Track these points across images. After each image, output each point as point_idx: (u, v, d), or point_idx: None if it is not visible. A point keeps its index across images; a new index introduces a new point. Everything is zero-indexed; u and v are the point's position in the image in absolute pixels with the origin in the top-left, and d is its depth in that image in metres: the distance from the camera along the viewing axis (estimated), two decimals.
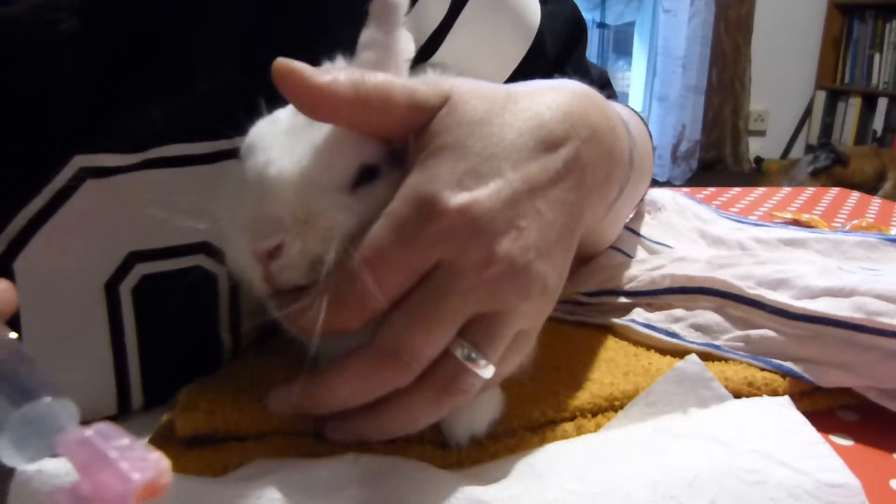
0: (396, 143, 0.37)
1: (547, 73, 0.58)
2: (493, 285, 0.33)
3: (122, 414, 0.44)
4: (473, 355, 0.34)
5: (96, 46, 0.38)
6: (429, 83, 0.36)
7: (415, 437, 0.40)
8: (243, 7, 0.42)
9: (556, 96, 0.38)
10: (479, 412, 0.40)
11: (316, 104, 0.33)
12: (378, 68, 0.36)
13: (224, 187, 0.38)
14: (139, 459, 0.23)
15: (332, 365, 0.35)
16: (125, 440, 0.23)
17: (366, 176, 0.36)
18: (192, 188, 0.42)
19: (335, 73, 0.33)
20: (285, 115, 0.37)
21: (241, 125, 0.37)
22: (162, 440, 0.39)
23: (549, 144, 0.36)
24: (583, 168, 0.37)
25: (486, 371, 0.34)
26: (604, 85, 0.67)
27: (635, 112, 0.63)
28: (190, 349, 0.46)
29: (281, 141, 0.35)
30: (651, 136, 0.65)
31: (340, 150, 0.35)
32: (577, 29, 0.62)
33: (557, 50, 0.60)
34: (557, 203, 0.35)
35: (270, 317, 0.36)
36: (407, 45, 0.39)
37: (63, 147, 0.38)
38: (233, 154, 0.42)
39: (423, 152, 0.34)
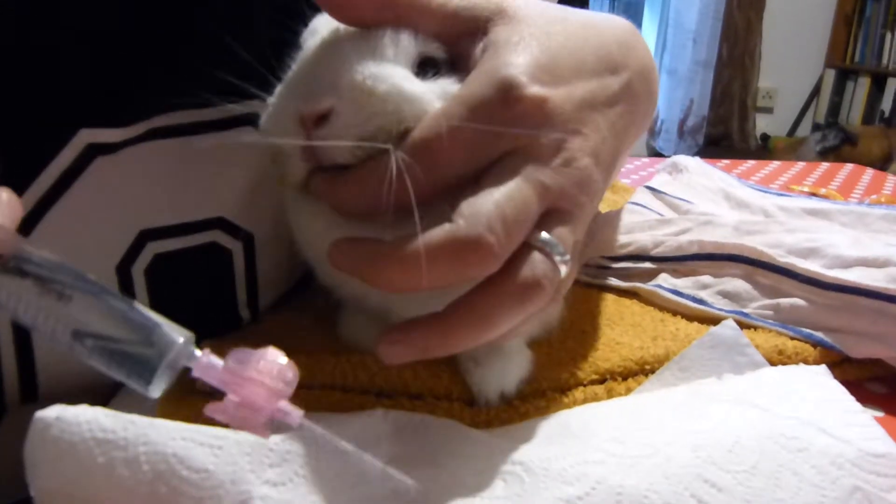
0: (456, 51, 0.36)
1: None
2: (563, 176, 0.33)
3: None
4: (549, 248, 0.32)
5: (99, 13, 0.36)
6: None
7: (443, 394, 0.39)
8: None
9: (613, 24, 0.39)
10: (509, 369, 0.39)
11: (343, 5, 0.33)
12: None
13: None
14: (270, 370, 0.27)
15: (413, 246, 0.30)
16: (253, 357, 0.27)
17: (426, 71, 0.35)
18: (204, 158, 0.40)
19: None
20: None
21: (249, 91, 0.36)
22: (183, 393, 0.38)
23: (608, 66, 0.36)
24: (633, 97, 0.38)
25: (562, 265, 0.32)
26: None
27: None
28: (208, 328, 0.44)
29: (346, 26, 0.35)
30: None
31: (402, 34, 0.34)
32: None
33: None
34: (610, 122, 0.36)
35: (294, 282, 0.34)
36: None
37: (68, 120, 0.36)
38: (245, 120, 0.41)
39: (490, 48, 0.34)
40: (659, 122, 3.96)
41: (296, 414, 0.27)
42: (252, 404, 0.26)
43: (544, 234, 0.32)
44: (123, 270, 0.40)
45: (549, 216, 0.33)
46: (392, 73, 0.33)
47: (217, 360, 0.27)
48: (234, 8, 0.39)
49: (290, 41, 0.38)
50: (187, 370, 0.28)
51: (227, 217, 0.43)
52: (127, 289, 0.41)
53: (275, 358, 0.27)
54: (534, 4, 0.37)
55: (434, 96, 0.33)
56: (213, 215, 0.42)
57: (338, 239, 0.31)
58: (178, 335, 0.27)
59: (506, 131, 0.31)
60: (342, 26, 0.35)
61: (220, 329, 0.44)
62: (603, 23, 0.39)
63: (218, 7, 0.38)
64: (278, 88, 0.36)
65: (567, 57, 0.35)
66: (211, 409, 0.27)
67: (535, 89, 0.32)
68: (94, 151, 0.37)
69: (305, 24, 0.38)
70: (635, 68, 0.38)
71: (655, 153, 3.98)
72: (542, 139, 0.32)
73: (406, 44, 0.34)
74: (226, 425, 0.27)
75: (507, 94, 0.32)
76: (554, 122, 0.32)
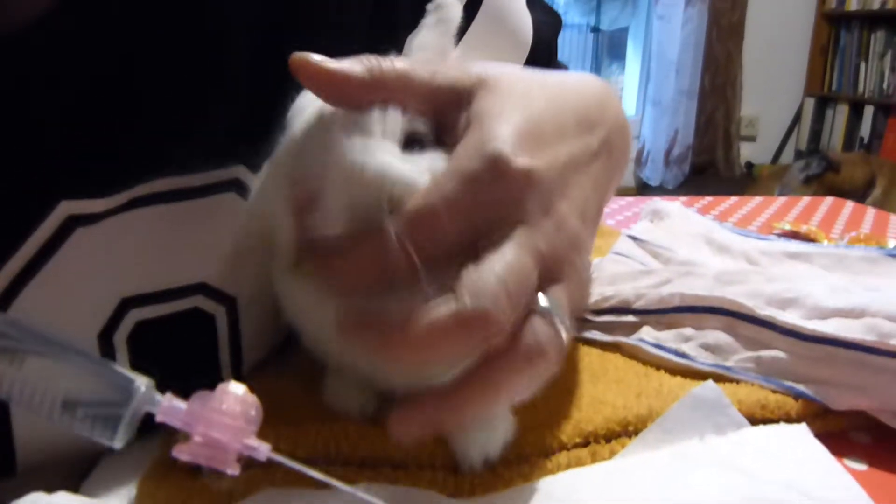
0: (440, 124, 0.36)
1: None
2: (557, 242, 0.33)
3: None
4: (551, 312, 0.33)
5: (78, 83, 0.36)
6: (454, 66, 0.37)
7: (426, 462, 0.39)
8: (234, 41, 0.40)
9: (588, 84, 0.41)
10: (492, 434, 0.39)
11: (329, 87, 0.34)
12: None
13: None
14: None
15: (417, 322, 0.30)
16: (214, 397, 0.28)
17: (412, 145, 0.35)
18: (185, 224, 0.40)
19: (350, 62, 0.34)
20: None
21: (234, 155, 0.36)
22: (163, 470, 0.38)
23: (587, 125, 0.37)
24: (611, 152, 0.39)
25: (563, 330, 0.33)
26: None
27: None
28: (190, 393, 0.44)
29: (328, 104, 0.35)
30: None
31: (388, 112, 0.34)
32: (557, 36, 0.66)
33: (549, 51, 0.63)
34: (593, 179, 0.37)
35: (279, 343, 0.34)
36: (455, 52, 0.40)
37: (48, 192, 0.36)
38: (229, 185, 0.41)
39: (475, 120, 0.34)
40: (645, 153, 4.00)
41: (263, 449, 0.28)
42: (217, 443, 0.27)
43: (544, 300, 0.33)
44: (105, 339, 0.40)
45: (546, 280, 0.33)
46: (379, 154, 0.33)
47: (180, 403, 0.28)
48: (213, 72, 0.39)
49: (273, 101, 0.38)
50: (150, 416, 0.28)
51: (209, 282, 0.43)
52: (109, 357, 0.40)
53: (237, 396, 0.28)
54: (511, 72, 0.38)
55: (422, 173, 0.34)
56: (196, 281, 0.42)
57: (344, 316, 0.32)
58: (139, 382, 0.28)
59: (497, 202, 0.32)
60: (328, 106, 0.35)
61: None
62: (579, 83, 0.40)
63: (197, 72, 0.39)
64: (265, 168, 0.36)
65: (549, 121, 0.35)
66: (177, 450, 0.27)
67: (521, 160, 0.33)
68: (75, 223, 0.37)
69: (289, 82, 0.38)
70: (611, 125, 0.39)
71: (642, 183, 4.01)
72: (532, 207, 0.33)
73: (393, 123, 0.34)
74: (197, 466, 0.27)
75: (495, 167, 0.32)
76: (542, 188, 0.33)
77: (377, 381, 0.40)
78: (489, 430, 0.39)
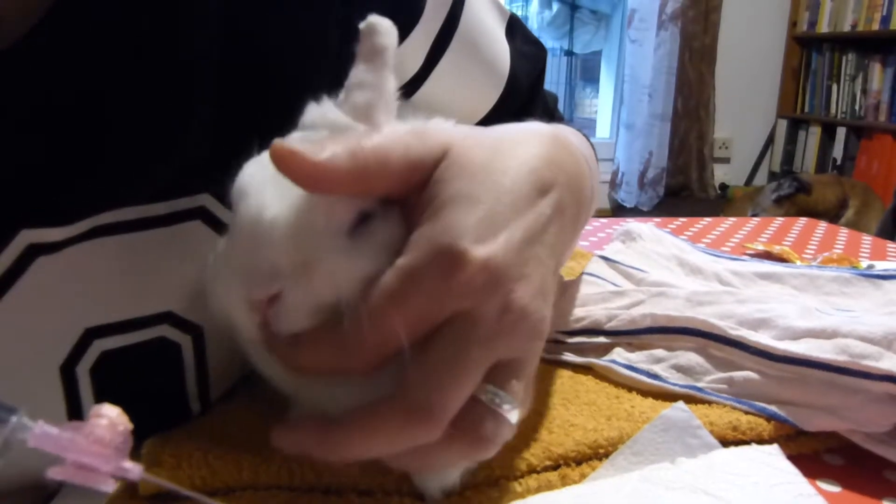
0: (405, 200, 0.35)
1: (519, 108, 0.62)
2: (511, 333, 0.33)
3: None
4: (498, 400, 0.33)
5: (41, 112, 0.35)
6: (421, 136, 0.35)
7: (393, 489, 0.38)
8: (203, 72, 0.39)
9: (539, 142, 0.38)
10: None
11: (317, 181, 0.32)
12: (369, 109, 0.36)
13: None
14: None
15: (351, 417, 0.32)
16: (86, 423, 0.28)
17: (362, 220, 0.34)
18: (150, 253, 0.40)
19: (332, 148, 0.32)
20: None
21: (199, 183, 0.36)
22: (125, 500, 0.37)
23: (540, 189, 0.36)
24: (563, 211, 0.37)
25: (512, 416, 0.33)
26: (553, 109, 0.70)
27: (581, 134, 0.64)
28: (158, 424, 0.42)
29: (274, 184, 0.33)
30: (597, 156, 0.66)
31: (339, 198, 0.33)
32: (543, 66, 0.66)
33: (531, 82, 0.63)
34: (549, 247, 0.35)
35: (247, 370, 0.34)
36: (394, 86, 0.38)
37: (7, 221, 0.35)
38: (194, 213, 0.40)
39: (431, 204, 0.33)
40: (619, 175, 4.03)
41: (136, 470, 0.29)
42: (90, 467, 0.28)
43: (491, 389, 0.33)
44: (68, 370, 0.39)
45: (499, 369, 0.33)
46: (327, 245, 0.33)
47: (51, 429, 0.28)
48: (181, 102, 0.38)
49: (235, 129, 0.37)
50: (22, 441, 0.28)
51: (175, 311, 0.42)
52: (71, 389, 0.39)
53: (107, 420, 0.29)
54: (474, 139, 0.37)
55: (372, 260, 0.33)
56: (161, 310, 0.41)
57: (276, 430, 0.33)
58: (8, 411, 0.28)
59: (451, 296, 0.32)
60: (271, 185, 0.34)
61: (169, 423, 0.43)
62: (531, 141, 0.39)
63: (165, 101, 0.38)
64: (216, 260, 0.35)
65: (506, 195, 0.34)
66: (53, 472, 0.28)
67: (477, 252, 0.32)
68: (36, 252, 0.36)
69: (256, 112, 0.37)
70: (563, 181, 0.38)
71: (618, 205, 4.04)
72: (489, 303, 0.32)
73: (341, 208, 0.33)
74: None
75: (451, 263, 0.31)
76: (500, 277, 0.32)
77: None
78: None
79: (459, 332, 0.32)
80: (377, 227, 0.34)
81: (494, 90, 0.59)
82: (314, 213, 0.33)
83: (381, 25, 0.37)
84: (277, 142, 0.32)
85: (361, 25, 0.37)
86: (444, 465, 0.34)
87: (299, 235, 0.32)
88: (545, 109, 0.66)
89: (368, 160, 0.33)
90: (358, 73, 0.37)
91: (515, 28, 0.62)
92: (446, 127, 0.38)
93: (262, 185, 0.34)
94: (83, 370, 0.39)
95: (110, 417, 0.29)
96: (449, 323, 0.32)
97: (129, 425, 0.29)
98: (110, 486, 0.28)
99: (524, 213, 0.35)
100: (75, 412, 0.39)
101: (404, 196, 0.35)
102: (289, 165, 0.31)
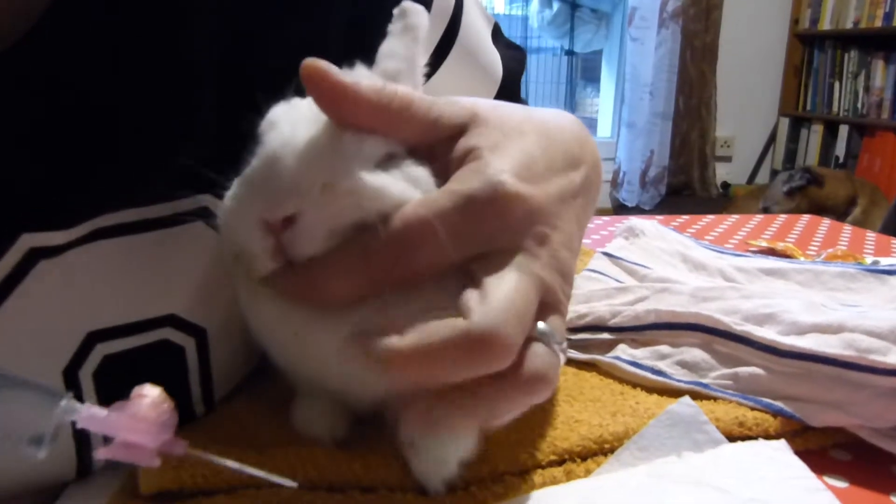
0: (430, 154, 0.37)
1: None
2: (554, 271, 0.34)
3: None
4: (549, 338, 0.33)
5: (41, 114, 0.35)
6: (448, 100, 0.37)
7: (396, 485, 0.38)
8: (204, 73, 0.39)
9: (568, 121, 0.42)
10: (446, 453, 0.38)
11: (339, 102, 0.33)
12: (398, 78, 0.37)
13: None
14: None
15: (420, 342, 0.30)
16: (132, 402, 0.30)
17: (390, 160, 0.35)
18: (152, 256, 0.39)
19: (359, 77, 0.34)
20: (305, 103, 0.36)
21: (201, 184, 0.36)
22: (125, 498, 0.36)
23: (571, 162, 0.39)
24: (589, 189, 0.40)
25: (561, 356, 0.34)
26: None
27: None
28: None
29: (304, 120, 0.34)
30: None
31: (369, 135, 0.34)
32: (524, 69, 0.69)
33: (515, 86, 0.67)
34: (576, 214, 0.38)
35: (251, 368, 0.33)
36: (423, 61, 0.40)
37: (9, 225, 0.35)
38: (196, 214, 0.40)
39: (472, 152, 0.35)
40: (621, 174, 4.02)
41: (181, 445, 0.30)
42: (136, 444, 0.29)
43: (543, 326, 0.33)
44: (70, 374, 0.38)
45: (543, 308, 0.34)
46: (353, 168, 0.33)
47: (99, 410, 0.30)
48: (175, 99, 0.38)
49: (236, 129, 0.37)
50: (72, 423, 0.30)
51: (178, 313, 0.41)
52: (74, 394, 0.39)
53: (150, 399, 0.30)
54: (499, 107, 0.39)
55: (398, 185, 0.33)
56: (164, 313, 0.41)
57: (349, 335, 0.32)
58: (58, 395, 0.29)
59: (494, 226, 0.33)
60: (302, 121, 0.34)
61: None
62: (560, 120, 0.42)
63: (166, 103, 0.38)
64: (236, 186, 0.35)
65: (541, 156, 0.36)
66: (101, 452, 0.29)
67: (520, 188, 0.33)
68: (37, 255, 0.36)
69: (256, 111, 0.37)
70: (590, 162, 0.41)
71: (619, 204, 4.03)
72: (530, 235, 0.34)
73: (371, 143, 0.34)
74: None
75: (495, 193, 0.33)
76: (538, 218, 0.34)
77: (349, 397, 0.39)
78: (443, 450, 0.38)
79: (510, 260, 0.33)
80: (406, 167, 0.35)
81: (488, 96, 0.61)
82: (342, 142, 0.33)
83: (415, 7, 0.40)
84: (308, 59, 0.33)
85: (395, 10, 0.40)
86: (508, 407, 0.33)
87: (324, 158, 0.33)
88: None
89: (392, 99, 0.35)
90: (390, 44, 0.39)
91: (498, 33, 0.64)
92: (474, 98, 0.39)
93: (292, 118, 0.35)
94: (86, 374, 0.39)
95: (153, 396, 0.30)
96: (497, 252, 0.33)
97: (171, 403, 0.30)
98: (156, 462, 0.30)
99: (558, 175, 0.37)
100: None
101: (429, 152, 0.36)
102: (315, 81, 0.33)
